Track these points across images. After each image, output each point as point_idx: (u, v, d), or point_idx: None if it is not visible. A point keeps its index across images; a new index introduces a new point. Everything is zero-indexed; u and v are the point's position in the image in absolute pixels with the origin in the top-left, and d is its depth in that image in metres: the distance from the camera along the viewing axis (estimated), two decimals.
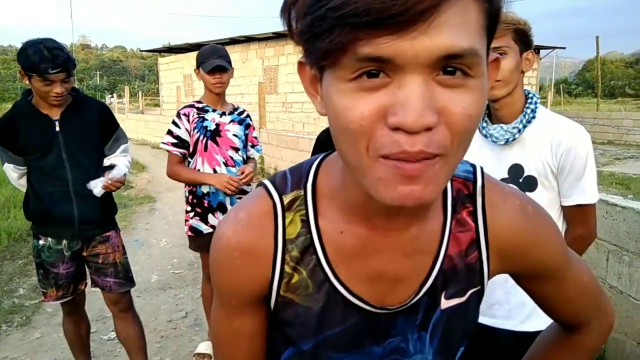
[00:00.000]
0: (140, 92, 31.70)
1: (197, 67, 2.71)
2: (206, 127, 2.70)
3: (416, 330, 0.68)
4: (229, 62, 2.70)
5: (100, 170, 2.35)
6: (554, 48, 20.26)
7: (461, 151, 0.50)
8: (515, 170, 1.52)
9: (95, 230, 2.38)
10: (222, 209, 2.74)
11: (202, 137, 2.70)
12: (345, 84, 0.47)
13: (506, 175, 1.53)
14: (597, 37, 21.39)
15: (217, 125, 2.72)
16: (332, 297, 0.65)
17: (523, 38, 1.49)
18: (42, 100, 2.22)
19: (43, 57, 2.10)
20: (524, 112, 1.52)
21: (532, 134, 1.51)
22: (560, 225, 1.57)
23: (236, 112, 2.81)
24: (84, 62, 69.22)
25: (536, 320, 1.56)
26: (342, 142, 0.50)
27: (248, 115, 2.86)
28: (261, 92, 10.24)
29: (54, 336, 3.30)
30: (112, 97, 33.28)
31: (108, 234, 2.43)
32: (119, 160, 2.41)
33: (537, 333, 1.55)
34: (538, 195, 1.50)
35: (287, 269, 0.64)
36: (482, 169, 0.70)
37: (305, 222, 0.64)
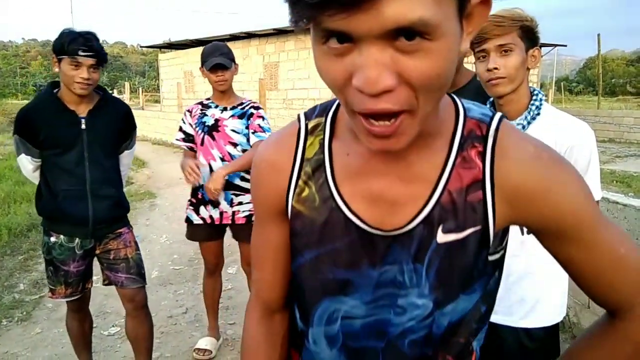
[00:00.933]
0: (140, 89, 31.68)
1: (202, 65, 2.75)
2: (204, 122, 2.77)
3: (411, 260, 0.70)
4: (232, 59, 2.73)
5: (115, 171, 2.40)
6: (555, 46, 20.23)
7: (430, 104, 0.56)
8: None
9: (108, 228, 2.37)
10: (214, 203, 2.77)
11: (200, 131, 2.78)
12: (320, 46, 0.55)
13: None
14: (598, 35, 21.34)
15: (217, 120, 2.76)
16: (334, 213, 0.71)
17: (529, 35, 1.49)
18: (68, 90, 2.21)
19: (74, 38, 2.13)
20: (529, 109, 1.52)
21: (536, 131, 1.50)
22: None
23: (239, 107, 2.81)
24: None
25: (536, 317, 1.57)
26: (332, 90, 0.59)
27: (253, 106, 2.83)
28: (262, 89, 10.24)
29: (55, 331, 3.30)
30: (113, 93, 33.22)
31: (120, 230, 2.42)
32: (122, 161, 2.47)
33: (537, 329, 1.57)
34: None
35: (300, 182, 0.73)
36: (502, 116, 0.70)
37: (322, 144, 0.73)
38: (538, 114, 1.51)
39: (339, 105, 0.74)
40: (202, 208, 2.80)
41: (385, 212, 0.69)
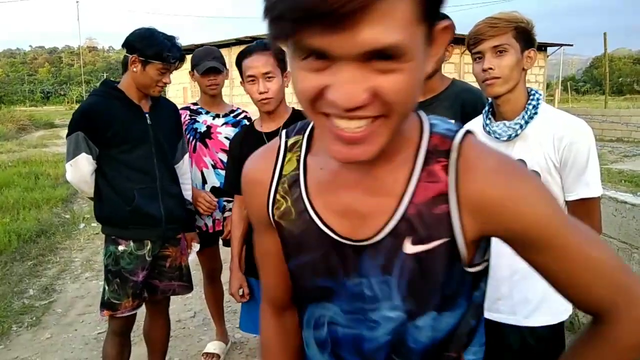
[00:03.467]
0: None
1: (192, 70, 2.70)
2: (196, 129, 2.70)
3: (380, 272, 0.72)
4: (223, 64, 2.68)
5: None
6: (561, 45, 20.16)
7: (400, 116, 0.61)
8: None
9: (176, 231, 2.30)
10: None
11: (191, 138, 2.69)
12: (299, 61, 0.58)
13: None
14: (604, 34, 21.23)
15: (209, 127, 2.70)
16: (309, 225, 0.76)
17: (524, 36, 1.51)
18: (144, 90, 2.17)
19: (172, 47, 2.14)
20: (526, 109, 1.54)
21: (534, 130, 1.52)
22: None
23: (232, 114, 2.77)
24: (90, 64, 69.68)
25: (540, 316, 1.58)
26: (299, 100, 0.63)
27: (246, 117, 2.80)
28: None
29: (64, 336, 3.32)
30: None
31: (181, 235, 2.35)
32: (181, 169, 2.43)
33: (541, 328, 1.56)
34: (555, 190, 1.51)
35: (278, 197, 0.78)
36: (468, 131, 0.71)
37: (298, 160, 0.78)
38: (535, 113, 1.52)
39: (312, 129, 0.78)
40: (197, 217, 2.75)
41: (356, 223, 0.72)
